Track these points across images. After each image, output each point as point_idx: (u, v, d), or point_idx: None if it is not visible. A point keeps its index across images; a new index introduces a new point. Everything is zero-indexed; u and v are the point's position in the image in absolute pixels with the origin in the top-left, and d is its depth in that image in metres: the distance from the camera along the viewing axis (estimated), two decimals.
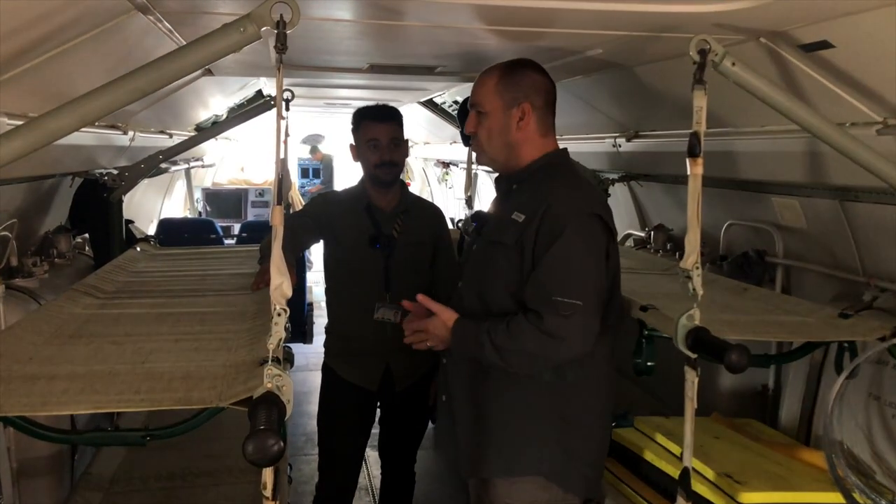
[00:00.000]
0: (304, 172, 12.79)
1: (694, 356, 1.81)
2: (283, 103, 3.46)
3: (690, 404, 1.85)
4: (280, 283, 1.40)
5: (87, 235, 3.71)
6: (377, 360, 2.75)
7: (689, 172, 1.79)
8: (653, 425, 2.60)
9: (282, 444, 1.25)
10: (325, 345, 2.92)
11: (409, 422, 2.92)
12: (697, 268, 1.79)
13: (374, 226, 2.72)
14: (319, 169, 12.95)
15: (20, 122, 1.92)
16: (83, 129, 2.66)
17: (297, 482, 4.51)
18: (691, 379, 1.83)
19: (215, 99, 4.90)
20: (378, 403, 2.91)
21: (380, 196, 2.76)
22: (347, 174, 12.02)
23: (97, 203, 3.39)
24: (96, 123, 2.87)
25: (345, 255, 2.78)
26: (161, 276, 2.78)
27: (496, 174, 2.12)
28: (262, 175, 10.53)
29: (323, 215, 2.79)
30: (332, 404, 2.85)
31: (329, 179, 12.22)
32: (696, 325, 1.80)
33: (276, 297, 1.40)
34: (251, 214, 8.39)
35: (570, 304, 1.78)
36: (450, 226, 4.48)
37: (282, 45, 1.37)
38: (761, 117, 2.41)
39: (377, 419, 2.96)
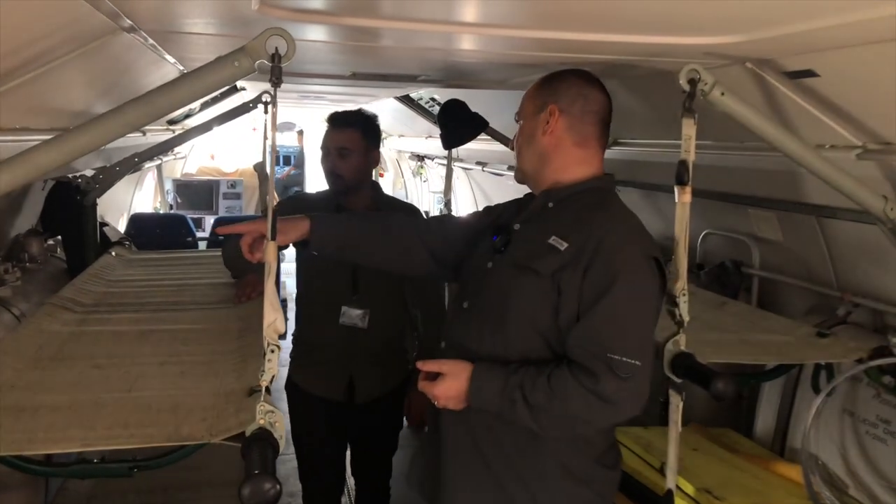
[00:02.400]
0: (276, 159, 12.68)
1: (679, 381, 1.84)
2: (264, 106, 3.43)
3: (675, 427, 1.88)
4: (273, 320, 1.39)
5: (59, 237, 3.63)
6: (341, 369, 2.64)
7: (676, 200, 1.81)
8: (632, 437, 2.64)
9: (278, 487, 1.25)
10: (291, 355, 2.80)
11: (377, 439, 2.80)
12: (684, 294, 1.81)
13: None
14: (290, 156, 12.87)
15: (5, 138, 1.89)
16: None
17: None
18: (676, 403, 1.86)
19: None
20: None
21: (348, 199, 2.66)
22: (318, 160, 11.96)
23: (70, 205, 3.31)
24: (71, 128, 2.80)
25: (315, 257, 2.70)
26: (139, 285, 2.74)
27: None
28: (232, 163, 10.41)
29: None
30: (301, 423, 2.75)
31: (301, 164, 12.15)
32: (682, 350, 1.83)
33: (269, 334, 1.39)
34: (223, 207, 8.31)
35: (630, 365, 1.53)
36: None
37: (277, 78, 1.35)
38: (741, 134, 2.44)
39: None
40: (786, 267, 3.00)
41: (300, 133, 12.15)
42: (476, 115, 3.59)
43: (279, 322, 1.40)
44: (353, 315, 2.58)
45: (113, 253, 3.24)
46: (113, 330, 2.13)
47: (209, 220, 7.43)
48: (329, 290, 2.62)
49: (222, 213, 8.19)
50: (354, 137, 2.61)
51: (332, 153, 2.60)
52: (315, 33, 1.73)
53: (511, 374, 1.59)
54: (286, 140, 13.00)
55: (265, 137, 3.49)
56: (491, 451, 1.70)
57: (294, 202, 2.99)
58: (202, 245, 6.21)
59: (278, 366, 3.69)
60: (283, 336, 4.60)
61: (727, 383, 1.70)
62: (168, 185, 8.29)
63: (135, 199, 7.06)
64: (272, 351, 1.40)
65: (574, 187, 1.73)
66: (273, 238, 1.43)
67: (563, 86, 1.76)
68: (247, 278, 2.58)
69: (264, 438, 1.37)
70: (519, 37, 1.84)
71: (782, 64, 1.93)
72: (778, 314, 2.67)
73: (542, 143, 1.74)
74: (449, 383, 1.62)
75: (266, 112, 3.41)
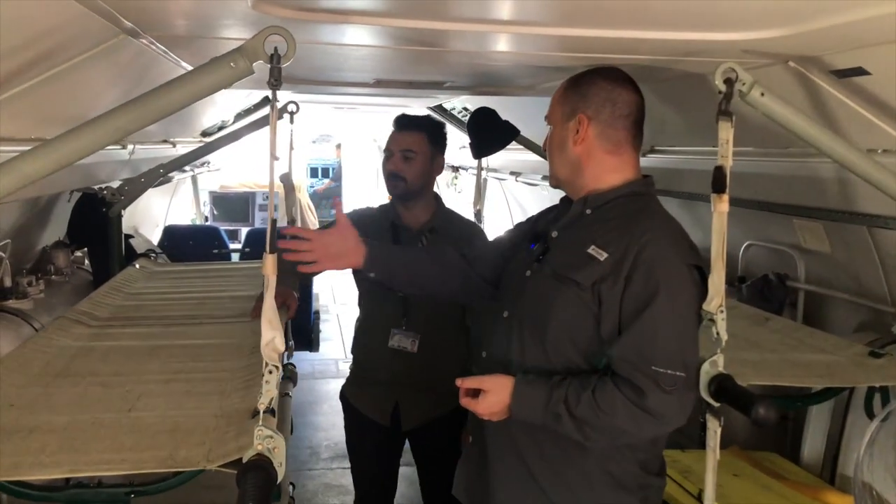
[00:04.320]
0: (314, 172, 12.79)
1: (717, 405, 1.70)
2: (289, 116, 3.36)
3: (712, 454, 1.74)
4: (272, 339, 1.29)
5: (86, 249, 3.62)
6: (388, 394, 2.58)
7: (713, 209, 1.68)
8: (669, 460, 2.48)
9: None
10: (350, 367, 2.81)
11: (435, 463, 2.65)
12: (722, 311, 1.67)
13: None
14: (329, 168, 12.94)
15: (10, 149, 1.84)
16: None
17: (302, 500, 4.40)
18: (714, 428, 1.72)
19: (219, 106, 4.81)
20: (406, 440, 2.72)
21: (406, 213, 2.58)
22: (355, 173, 12.02)
23: (96, 217, 3.30)
24: None
25: (366, 275, 2.63)
26: (158, 298, 2.68)
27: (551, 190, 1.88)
28: (265, 177, 10.41)
29: None
30: (351, 436, 2.74)
31: (339, 177, 12.21)
32: (720, 371, 1.69)
33: (268, 354, 1.30)
34: (258, 219, 8.32)
35: (674, 377, 1.51)
36: None
37: (276, 80, 1.26)
38: (784, 139, 2.30)
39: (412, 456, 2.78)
40: (834, 280, 2.83)
41: (338, 146, 12.21)
42: (506, 123, 3.49)
43: (278, 341, 1.31)
44: (403, 339, 2.52)
45: (137, 265, 3.20)
46: (124, 345, 2.07)
47: (245, 232, 7.45)
48: (381, 315, 2.57)
49: (258, 224, 8.21)
50: (420, 140, 2.52)
51: (396, 155, 2.52)
52: (325, 34, 1.64)
53: (554, 388, 1.56)
54: (324, 153, 13.09)
55: (291, 148, 3.44)
56: (534, 459, 1.68)
57: (355, 216, 2.91)
58: (235, 257, 6.19)
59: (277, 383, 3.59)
60: (312, 342, 4.55)
61: (769, 409, 1.55)
62: (205, 197, 8.33)
63: (171, 210, 7.10)
64: (270, 372, 1.31)
65: (611, 193, 1.68)
66: (272, 251, 1.34)
67: (591, 91, 1.69)
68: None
69: (261, 466, 1.28)
70: (546, 35, 1.74)
71: (829, 62, 1.79)
72: (825, 331, 2.50)
73: (574, 153, 1.70)
74: (491, 399, 1.60)
75: (291, 122, 3.41)
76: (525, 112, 3.51)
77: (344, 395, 2.73)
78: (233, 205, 8.43)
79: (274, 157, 1.31)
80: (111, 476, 1.52)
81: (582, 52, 1.86)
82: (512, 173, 5.62)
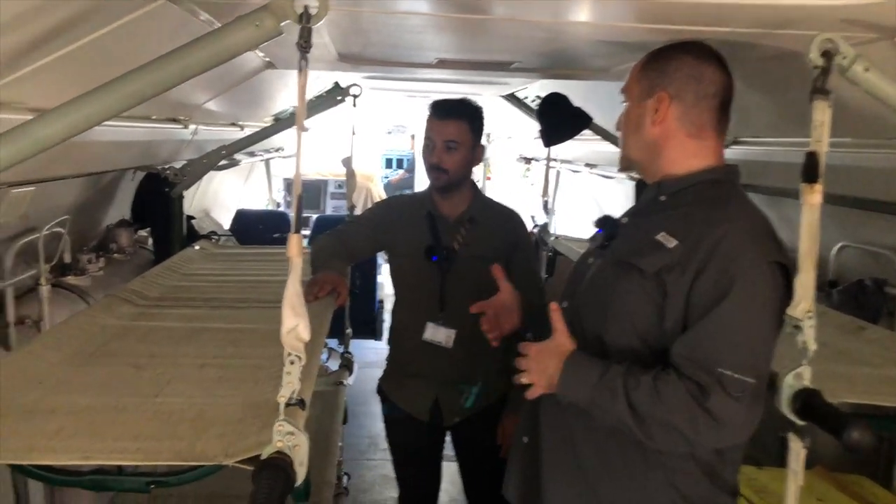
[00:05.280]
0: (388, 163, 12.83)
1: (802, 423, 1.50)
2: (352, 99, 3.27)
3: (794, 479, 1.53)
4: (294, 326, 1.18)
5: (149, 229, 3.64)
6: (425, 389, 2.50)
7: (803, 201, 1.47)
8: (744, 478, 2.27)
9: None
10: (386, 360, 2.72)
11: (479, 458, 2.57)
12: (810, 317, 1.46)
13: (432, 236, 2.45)
14: (403, 159, 12.95)
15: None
16: (135, 125, 2.54)
17: (358, 490, 4.35)
18: (797, 450, 1.51)
19: (291, 88, 4.77)
20: (446, 435, 2.64)
21: (443, 202, 2.49)
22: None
23: (159, 196, 3.31)
24: (153, 117, 2.75)
25: (402, 266, 2.56)
26: (211, 280, 2.63)
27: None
28: (339, 165, 10.45)
29: (382, 223, 2.56)
30: (390, 433, 2.69)
31: (413, 169, 12.20)
32: (806, 386, 1.49)
33: (290, 342, 1.18)
34: (330, 206, 8.37)
35: (742, 383, 1.36)
36: (530, 225, 4.16)
37: (305, 42, 1.14)
38: (887, 128, 2.05)
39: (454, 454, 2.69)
40: None
41: (412, 137, 12.21)
42: (578, 109, 3.32)
43: (301, 329, 1.19)
44: (437, 333, 2.43)
45: (197, 246, 3.18)
46: (166, 326, 2.01)
47: (313, 220, 7.50)
48: (418, 307, 2.49)
49: (329, 212, 8.28)
50: (463, 130, 2.42)
51: (439, 146, 2.41)
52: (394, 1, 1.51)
53: (612, 364, 1.44)
54: (399, 144, 13.12)
55: (353, 132, 3.37)
56: (595, 468, 1.55)
57: (386, 205, 2.90)
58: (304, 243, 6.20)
59: (355, 368, 3.49)
60: (375, 331, 4.47)
61: (864, 432, 1.34)
62: (279, 184, 8.41)
63: (246, 195, 7.18)
64: (292, 363, 1.19)
65: (689, 179, 1.55)
66: (298, 230, 1.22)
67: (672, 66, 1.54)
68: (317, 276, 2.42)
69: (279, 466, 1.17)
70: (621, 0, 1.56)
71: None
72: None
73: (652, 134, 1.56)
74: (549, 350, 1.50)
75: (354, 105, 3.32)
76: (599, 99, 3.32)
77: (381, 390, 2.65)
78: (305, 192, 8.48)
79: (301, 128, 1.19)
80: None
81: (660, 22, 1.67)
82: (587, 165, 5.41)
